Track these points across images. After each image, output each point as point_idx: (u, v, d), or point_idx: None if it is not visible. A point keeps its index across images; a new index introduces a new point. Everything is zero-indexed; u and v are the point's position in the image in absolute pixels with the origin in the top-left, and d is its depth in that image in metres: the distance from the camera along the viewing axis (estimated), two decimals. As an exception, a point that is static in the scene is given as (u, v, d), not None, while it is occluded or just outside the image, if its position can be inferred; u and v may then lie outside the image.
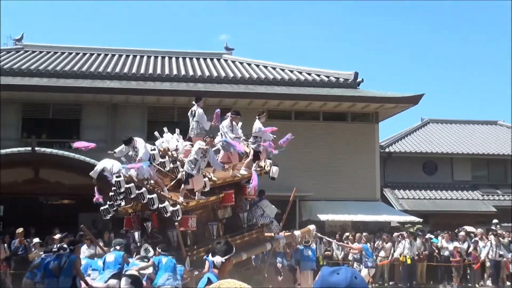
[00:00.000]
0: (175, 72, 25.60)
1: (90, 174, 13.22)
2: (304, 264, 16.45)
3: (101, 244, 16.09)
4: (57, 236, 17.15)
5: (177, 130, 13.97)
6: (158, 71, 25.67)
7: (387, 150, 29.27)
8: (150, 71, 25.51)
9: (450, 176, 30.22)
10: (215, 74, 25.91)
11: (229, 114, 14.09)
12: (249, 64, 28.18)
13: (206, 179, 12.54)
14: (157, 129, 24.53)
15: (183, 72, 25.68)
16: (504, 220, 25.93)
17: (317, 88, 25.27)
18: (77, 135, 23.48)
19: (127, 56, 28.32)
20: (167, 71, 25.64)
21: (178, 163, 13.02)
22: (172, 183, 12.72)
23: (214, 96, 23.35)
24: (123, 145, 12.83)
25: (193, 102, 14.47)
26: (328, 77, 26.36)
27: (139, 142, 12.67)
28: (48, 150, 20.16)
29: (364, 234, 19.41)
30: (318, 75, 26.56)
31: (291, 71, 27.13)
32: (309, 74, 26.79)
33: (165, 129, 14.02)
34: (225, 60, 28.96)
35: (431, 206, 27.76)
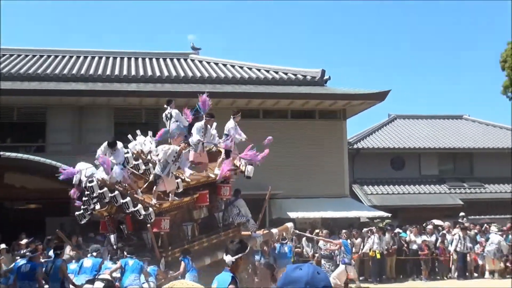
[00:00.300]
0: (141, 73, 25.43)
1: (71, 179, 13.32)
2: (281, 261, 16.45)
3: (69, 248, 15.94)
4: (24, 242, 16.88)
5: (150, 133, 14.14)
6: (125, 72, 25.46)
7: (355, 146, 29.51)
8: (117, 72, 25.29)
9: (418, 170, 30.58)
10: (182, 74, 25.80)
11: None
12: (216, 64, 28.13)
13: (179, 180, 12.68)
14: (124, 130, 24.39)
15: (149, 73, 25.52)
16: (471, 213, 26.37)
17: (285, 86, 25.36)
18: (42, 138, 23.19)
19: (93, 57, 28.01)
20: (133, 72, 25.45)
21: (150, 165, 13.21)
22: (146, 185, 12.87)
23: (181, 97, 23.20)
24: (102, 147, 12.94)
25: (165, 106, 14.57)
26: (295, 75, 26.46)
27: (120, 146, 12.88)
28: (13, 154, 19.85)
29: (344, 230, 19.62)
30: (286, 73, 26.64)
31: (259, 70, 27.16)
32: (277, 72, 26.85)
33: (138, 131, 14.21)
34: (192, 60, 28.87)
35: (399, 201, 28.07)
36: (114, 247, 13.33)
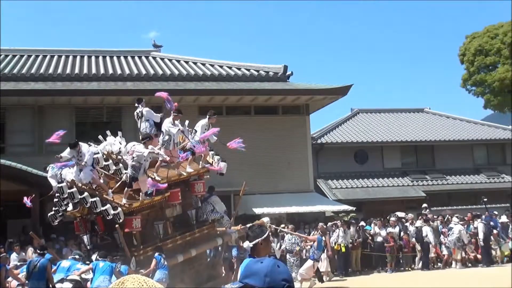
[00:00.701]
0: (102, 71, 25.11)
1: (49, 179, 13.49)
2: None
3: (31, 251, 15.72)
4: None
5: (120, 133, 14.22)
6: (85, 70, 25.11)
7: (319, 141, 29.65)
8: (77, 71, 24.91)
9: (381, 164, 30.91)
10: (144, 72, 25.57)
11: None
12: (178, 61, 27.96)
13: (149, 179, 12.68)
14: (86, 130, 24.17)
15: (110, 71, 25.22)
16: (433, 204, 26.76)
17: (247, 82, 25.34)
18: (1, 139, 22.72)
19: (52, 56, 27.54)
20: (94, 71, 25.11)
21: (120, 165, 13.25)
22: (117, 185, 12.93)
23: (144, 94, 22.96)
24: (68, 149, 12.93)
25: (136, 105, 14.61)
26: (257, 71, 26.46)
27: (84, 147, 12.95)
28: (-29, 156, 19.41)
29: (320, 224, 19.84)
30: (248, 70, 26.62)
31: (221, 67, 27.08)
32: (239, 69, 26.81)
33: (108, 132, 14.28)
34: (154, 58, 28.62)
35: (363, 194, 28.34)
36: (88, 247, 13.44)
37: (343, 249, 20.04)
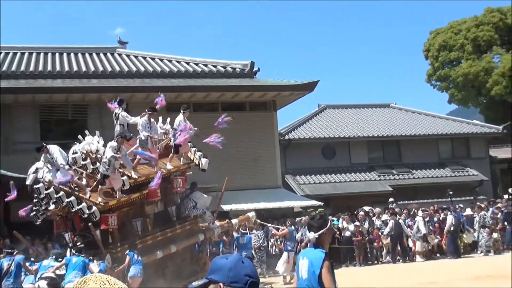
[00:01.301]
0: (67, 68, 24.77)
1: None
2: (240, 251, 16.62)
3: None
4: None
5: (97, 132, 14.65)
6: (49, 68, 24.71)
7: (286, 137, 29.73)
8: (40, 68, 24.53)
9: (348, 159, 31.14)
10: (109, 69, 25.30)
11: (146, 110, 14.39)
12: (144, 58, 27.72)
13: (125, 178, 13.06)
14: (51, 128, 23.80)
15: (75, 68, 24.88)
16: (400, 198, 27.08)
17: (214, 79, 25.28)
18: (-36, 139, 22.24)
19: (15, 53, 27.03)
20: (58, 68, 24.76)
21: (98, 164, 13.58)
22: (95, 183, 13.27)
23: (109, 92, 22.79)
24: (42, 156, 13.40)
25: (116, 105, 14.71)
26: (224, 67, 26.42)
27: (53, 148, 13.22)
28: None
29: (289, 218, 20.28)
30: (215, 66, 26.55)
31: (187, 63, 26.95)
32: (206, 65, 26.72)
33: (87, 132, 14.68)
34: (119, 54, 28.32)
35: (331, 189, 28.52)
36: (70, 245, 13.60)
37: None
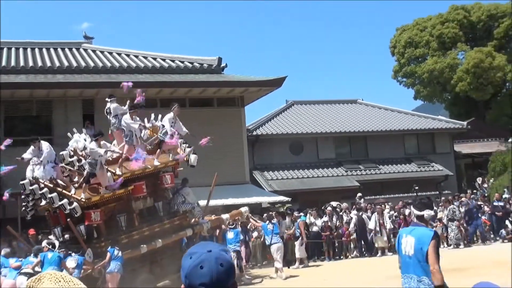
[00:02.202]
0: (31, 63, 24.32)
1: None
2: (227, 246, 16.57)
3: None
4: None
5: (84, 130, 14.86)
6: (13, 63, 24.25)
7: (254, 133, 29.73)
8: (4, 63, 24.03)
9: (316, 155, 31.26)
10: (74, 64, 24.92)
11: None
12: (110, 53, 27.38)
13: (109, 174, 13.34)
14: (15, 124, 23.38)
15: (40, 63, 24.45)
16: (367, 194, 27.30)
17: (182, 74, 25.11)
18: None
19: (-23, 48, 26.48)
20: (22, 63, 24.28)
21: (84, 161, 13.75)
22: (81, 180, 13.46)
23: (75, 87, 22.55)
24: (31, 147, 13.90)
25: (106, 99, 15.00)
26: (192, 63, 26.26)
27: (43, 144, 13.83)
28: None
29: (265, 214, 20.42)
30: (182, 62, 26.38)
31: (154, 59, 26.72)
32: (173, 61, 26.53)
33: (75, 129, 14.98)
34: (85, 50, 27.94)
35: (299, 185, 28.60)
36: (60, 239, 13.92)
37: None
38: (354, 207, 22.72)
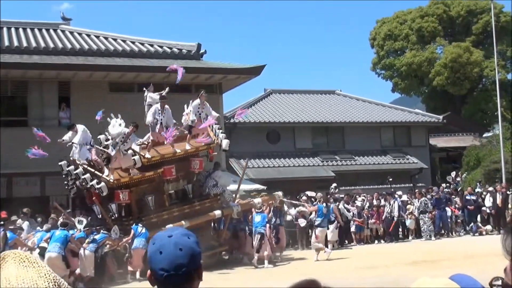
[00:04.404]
0: (6, 43, 23.90)
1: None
2: (254, 229, 16.97)
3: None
4: None
5: (119, 115, 15.54)
6: (-13, 42, 23.82)
7: (232, 121, 29.65)
8: (-22, 42, 23.62)
9: (293, 144, 31.33)
10: (52, 45, 24.53)
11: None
12: (88, 35, 26.99)
13: (137, 157, 14.58)
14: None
15: (16, 44, 24.03)
16: (342, 184, 27.45)
17: (160, 59, 24.90)
18: None
19: (-49, 26, 25.94)
20: (-3, 42, 23.86)
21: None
22: (115, 162, 14.81)
23: (51, 69, 22.27)
24: (69, 132, 15.36)
25: (144, 89, 17.09)
26: (170, 48, 26.06)
27: (79, 128, 15.33)
28: None
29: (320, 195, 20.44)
30: (161, 47, 26.16)
31: (133, 42, 26.44)
32: (152, 45, 26.29)
33: (112, 115, 15.65)
34: (62, 31, 27.50)
35: (275, 173, 28.66)
36: (99, 216, 15.34)
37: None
38: (329, 197, 22.82)
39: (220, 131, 16.58)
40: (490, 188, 23.90)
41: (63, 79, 23.06)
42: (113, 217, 15.09)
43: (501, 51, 41.76)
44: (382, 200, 22.87)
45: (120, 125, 15.19)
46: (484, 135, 38.95)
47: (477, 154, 31.92)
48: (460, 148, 35.26)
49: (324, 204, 18.65)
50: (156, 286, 2.00)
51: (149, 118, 15.79)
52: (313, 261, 17.24)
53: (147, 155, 14.98)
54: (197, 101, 16.44)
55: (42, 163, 20.88)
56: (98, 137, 15.44)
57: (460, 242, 20.66)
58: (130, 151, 14.77)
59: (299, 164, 29.99)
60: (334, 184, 26.39)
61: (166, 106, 15.95)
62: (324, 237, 18.27)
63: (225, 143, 16.16)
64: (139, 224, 14.26)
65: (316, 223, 18.17)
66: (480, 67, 42.44)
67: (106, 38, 26.69)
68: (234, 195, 17.20)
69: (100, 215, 15.22)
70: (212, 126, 16.71)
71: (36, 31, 26.95)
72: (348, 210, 22.21)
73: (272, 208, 18.57)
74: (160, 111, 15.82)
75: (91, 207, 16.31)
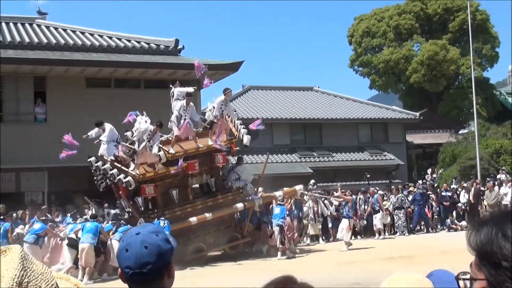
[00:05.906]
0: (-19, 37, 23.56)
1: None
2: (273, 221, 17.24)
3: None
4: None
5: (144, 113, 16.16)
6: (-39, 36, 23.44)
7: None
8: (-48, 36, 23.22)
9: (271, 140, 31.33)
10: (27, 40, 24.21)
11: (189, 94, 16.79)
12: (65, 30, 26.69)
13: (162, 152, 15.17)
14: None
15: (-10, 38, 23.69)
16: (320, 180, 27.52)
17: (137, 55, 24.72)
18: None
19: None
20: (-29, 36, 23.50)
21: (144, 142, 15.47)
22: (141, 157, 15.35)
23: (27, 63, 21.97)
24: (96, 128, 15.89)
25: (171, 86, 17.71)
26: (148, 44, 25.88)
27: (106, 126, 15.82)
28: None
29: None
30: (138, 42, 25.97)
31: (110, 38, 26.20)
32: (129, 40, 26.08)
33: (138, 112, 16.33)
34: (38, 25, 27.14)
35: (252, 169, 28.57)
36: (127, 209, 16.20)
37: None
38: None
39: (242, 126, 17.12)
40: (465, 184, 24.18)
41: (39, 74, 22.80)
42: (139, 210, 15.65)
43: (477, 49, 42.23)
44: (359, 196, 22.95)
45: (146, 122, 15.66)
46: (460, 132, 39.40)
47: (453, 151, 32.23)
48: (436, 144, 35.59)
49: (354, 196, 19.74)
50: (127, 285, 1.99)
51: (175, 113, 16.40)
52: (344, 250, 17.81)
53: (171, 151, 15.66)
54: (222, 97, 16.79)
55: (17, 158, 20.67)
56: (125, 134, 16.21)
57: (435, 237, 20.85)
58: (155, 147, 15.25)
59: (277, 160, 30.02)
60: (313, 181, 26.42)
61: (191, 103, 16.54)
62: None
63: (246, 138, 16.72)
64: (161, 218, 14.70)
65: (346, 213, 18.68)
66: (456, 65, 42.85)
67: (82, 33, 26.41)
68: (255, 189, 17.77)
69: (128, 208, 15.98)
70: (234, 121, 17.37)
71: (12, 25, 26.56)
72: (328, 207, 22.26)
73: (292, 201, 18.89)
74: (185, 108, 16.31)
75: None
